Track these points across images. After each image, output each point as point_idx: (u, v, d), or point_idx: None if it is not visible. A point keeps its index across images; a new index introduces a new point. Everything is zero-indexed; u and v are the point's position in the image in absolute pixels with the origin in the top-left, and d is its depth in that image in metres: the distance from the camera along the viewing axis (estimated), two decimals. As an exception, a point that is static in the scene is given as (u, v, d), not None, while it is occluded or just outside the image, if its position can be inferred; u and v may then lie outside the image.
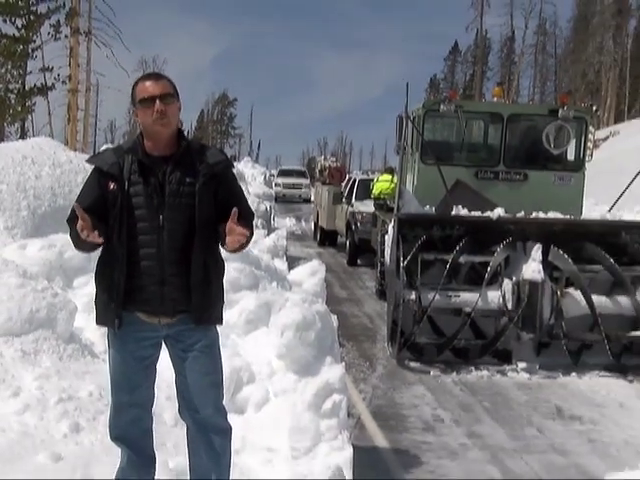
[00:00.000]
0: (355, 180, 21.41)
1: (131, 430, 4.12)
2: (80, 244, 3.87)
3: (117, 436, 4.14)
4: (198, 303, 3.91)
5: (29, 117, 41.90)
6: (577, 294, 9.36)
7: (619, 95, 67.77)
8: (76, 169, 10.64)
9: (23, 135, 38.60)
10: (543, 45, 76.02)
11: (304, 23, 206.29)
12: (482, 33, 75.15)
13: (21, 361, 5.76)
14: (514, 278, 9.38)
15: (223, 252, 4.07)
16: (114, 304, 3.87)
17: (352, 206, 19.09)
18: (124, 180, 3.84)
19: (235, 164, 29.59)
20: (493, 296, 9.37)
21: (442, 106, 12.49)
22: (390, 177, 17.25)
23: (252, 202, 18.07)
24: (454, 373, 9.10)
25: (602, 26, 66.34)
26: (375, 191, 17.12)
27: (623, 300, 9.46)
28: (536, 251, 9.26)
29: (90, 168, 4.04)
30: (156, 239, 3.83)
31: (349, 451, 5.35)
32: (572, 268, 9.29)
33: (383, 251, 11.28)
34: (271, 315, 7.24)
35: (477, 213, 10.10)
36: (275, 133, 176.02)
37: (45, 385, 5.45)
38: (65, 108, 41.02)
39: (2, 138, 35.20)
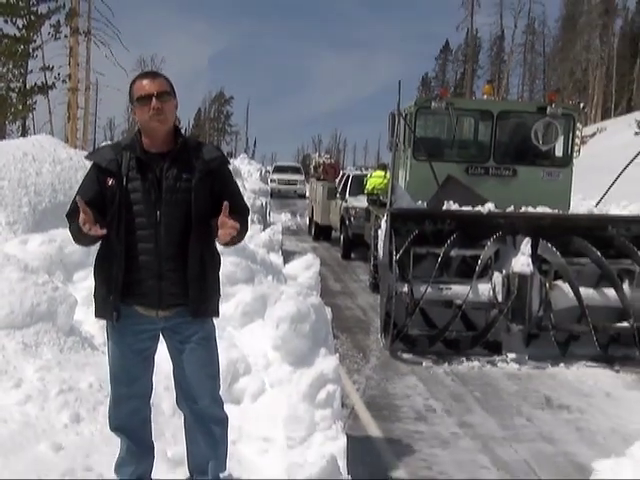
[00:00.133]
0: (349, 176, 21.36)
1: (130, 420, 4.12)
2: (80, 238, 3.87)
3: (116, 426, 4.15)
4: (195, 296, 3.90)
5: (30, 115, 41.82)
6: (565, 286, 9.37)
7: (606, 93, 67.92)
8: (76, 166, 10.62)
9: (24, 133, 38.53)
10: (532, 44, 76.15)
11: (300, 23, 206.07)
12: (472, 32, 75.26)
13: (22, 353, 5.76)
14: (504, 271, 9.39)
15: (219, 246, 4.07)
16: (112, 298, 3.87)
17: (346, 201, 19.06)
18: (122, 176, 3.83)
19: (231, 161, 29.49)
20: (483, 289, 9.37)
21: (433, 104, 12.49)
22: (383, 173, 17.23)
23: (248, 198, 18.05)
24: (446, 364, 9.10)
25: (589, 25, 66.46)
26: (368, 187, 17.12)
27: (610, 292, 9.47)
28: (525, 245, 9.28)
29: (89, 164, 4.04)
30: (153, 234, 3.83)
31: (343, 440, 5.34)
32: (560, 261, 9.29)
33: (376, 245, 11.25)
34: (267, 308, 7.24)
35: (468, 208, 10.11)
36: (271, 131, 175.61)
37: (46, 376, 5.44)
38: (65, 106, 40.99)
39: (3, 136, 35.06)
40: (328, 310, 6.94)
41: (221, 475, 4.25)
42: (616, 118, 59.73)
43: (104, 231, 3.72)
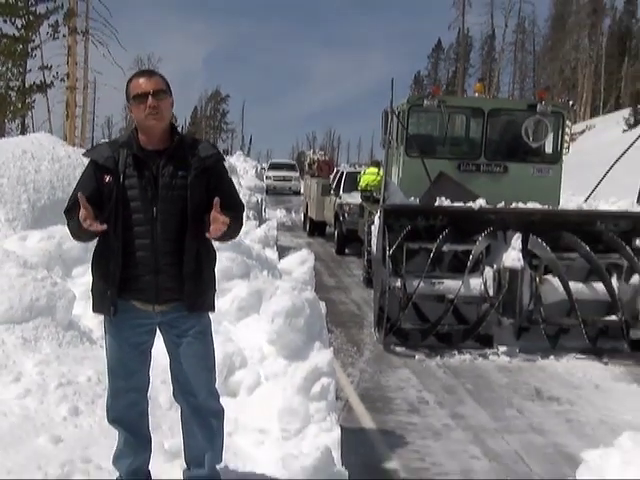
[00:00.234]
0: (343, 173, 21.36)
1: (128, 413, 4.12)
2: (80, 234, 3.86)
3: (114, 419, 4.14)
4: (191, 291, 3.90)
5: (29, 114, 41.63)
6: (555, 281, 9.38)
7: (594, 91, 68.01)
8: (74, 163, 10.61)
9: (23, 131, 38.38)
10: (522, 43, 76.20)
11: (295, 23, 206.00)
12: (464, 32, 75.22)
13: (22, 348, 5.76)
14: (495, 266, 9.40)
15: (215, 242, 4.07)
16: (110, 293, 3.86)
17: (340, 198, 19.05)
18: (119, 173, 3.82)
19: (228, 158, 29.54)
20: (475, 283, 9.38)
21: (426, 101, 12.48)
22: (376, 170, 17.21)
23: (244, 194, 18.09)
24: (438, 357, 9.11)
25: (578, 25, 66.61)
26: (362, 183, 17.11)
27: (598, 286, 9.49)
28: (516, 240, 9.29)
29: (87, 162, 4.03)
30: (150, 230, 3.82)
31: (337, 432, 5.36)
32: (550, 256, 9.31)
33: (370, 241, 11.25)
34: (262, 302, 7.24)
35: (459, 204, 10.10)
36: (266, 128, 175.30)
37: (45, 370, 5.45)
38: (64, 105, 40.81)
39: (3, 134, 34.96)
40: (322, 305, 6.94)
41: (217, 466, 4.26)
42: (604, 116, 59.86)
43: (105, 227, 3.72)
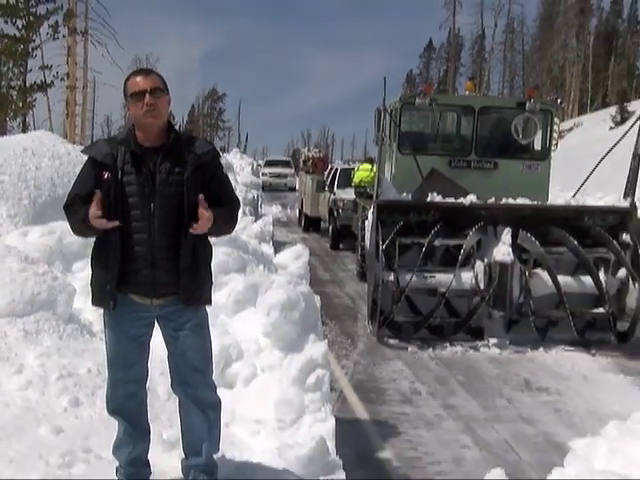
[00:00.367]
0: (337, 169, 21.34)
1: (127, 404, 4.11)
2: (84, 230, 3.87)
3: (114, 410, 4.13)
4: (187, 285, 3.89)
5: (30, 112, 41.56)
6: (544, 274, 9.40)
7: (582, 89, 68.02)
8: (74, 161, 10.57)
9: (24, 129, 38.26)
10: (511, 42, 76.12)
11: (290, 23, 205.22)
12: (454, 31, 75.39)
13: (24, 340, 5.76)
14: (485, 260, 9.42)
15: (212, 237, 4.07)
16: (109, 287, 3.85)
17: (334, 194, 19.06)
18: (117, 170, 3.81)
19: (224, 155, 29.46)
20: (466, 277, 9.40)
21: (417, 99, 12.48)
22: (370, 166, 17.19)
23: (240, 191, 18.03)
24: (430, 349, 9.12)
25: (566, 25, 66.56)
26: (356, 179, 17.11)
27: (586, 279, 9.52)
28: (506, 234, 9.30)
29: (85, 158, 4.01)
30: (147, 225, 3.81)
31: (332, 422, 5.35)
32: (539, 250, 9.32)
33: (363, 236, 11.27)
34: (258, 296, 7.22)
35: (451, 199, 10.10)
36: (262, 126, 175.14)
37: (46, 363, 5.45)
38: (64, 104, 40.74)
39: (4, 132, 34.89)
40: (317, 298, 6.93)
41: (215, 456, 4.26)
42: (592, 113, 59.85)
43: (116, 222, 3.73)
